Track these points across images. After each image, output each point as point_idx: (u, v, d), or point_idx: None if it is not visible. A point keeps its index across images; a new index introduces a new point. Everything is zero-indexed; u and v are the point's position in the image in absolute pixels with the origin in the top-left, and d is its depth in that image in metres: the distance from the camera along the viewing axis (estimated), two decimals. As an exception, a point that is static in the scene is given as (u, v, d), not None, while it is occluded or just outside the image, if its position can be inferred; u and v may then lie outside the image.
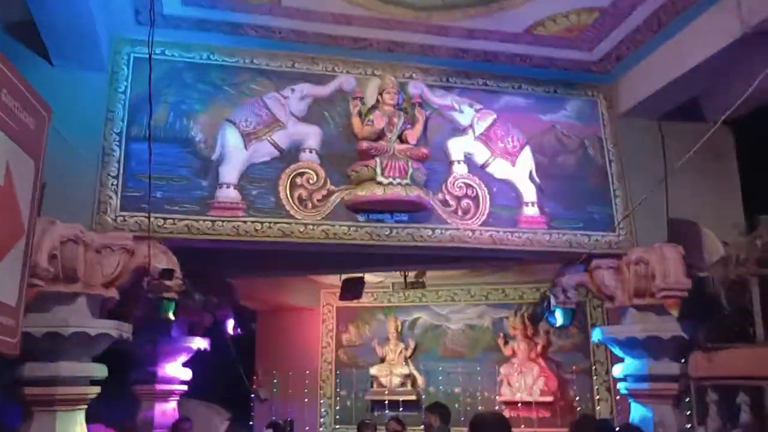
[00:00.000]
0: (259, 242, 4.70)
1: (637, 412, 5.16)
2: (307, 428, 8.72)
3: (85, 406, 4.38)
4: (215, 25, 4.79)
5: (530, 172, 5.27)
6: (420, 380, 9.07)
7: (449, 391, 8.90)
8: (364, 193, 4.78)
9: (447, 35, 4.98)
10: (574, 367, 8.50)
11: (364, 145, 4.88)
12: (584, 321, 8.43)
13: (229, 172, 4.72)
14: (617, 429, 5.04)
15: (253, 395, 8.33)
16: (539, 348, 8.68)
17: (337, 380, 9.27)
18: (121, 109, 4.67)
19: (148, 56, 4.20)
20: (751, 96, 3.74)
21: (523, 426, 8.07)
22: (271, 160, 4.86)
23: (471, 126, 5.29)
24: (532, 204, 5.19)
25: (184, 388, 6.87)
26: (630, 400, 5.30)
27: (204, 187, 4.66)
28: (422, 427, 6.06)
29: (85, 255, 4.16)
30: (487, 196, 5.12)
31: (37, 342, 3.98)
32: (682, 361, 4.88)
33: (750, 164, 5.48)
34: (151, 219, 4.37)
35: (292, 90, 5.04)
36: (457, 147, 5.20)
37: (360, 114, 5.03)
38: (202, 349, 6.91)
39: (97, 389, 4.41)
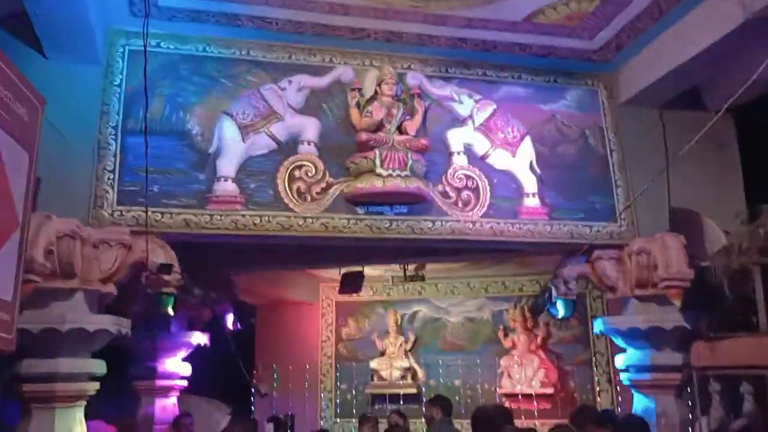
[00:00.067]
0: (257, 236, 4.65)
1: (640, 402, 5.14)
2: (308, 422, 8.71)
3: (85, 403, 4.35)
4: (211, 17, 4.72)
5: (531, 163, 5.22)
6: (420, 373, 9.08)
7: (449, 383, 8.91)
8: (363, 185, 4.74)
9: (445, 24, 4.92)
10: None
11: (363, 136, 4.83)
12: (584, 312, 8.43)
13: (227, 165, 4.67)
14: (620, 420, 5.02)
15: (253, 390, 8.31)
16: (539, 340, 8.70)
17: (338, 374, 9.28)
18: (117, 103, 4.61)
19: (143, 48, 4.14)
20: (753, 84, 3.70)
21: (523, 418, 8.06)
22: (269, 152, 4.80)
23: (470, 116, 5.24)
24: (533, 195, 5.15)
25: (184, 383, 6.86)
26: (633, 391, 5.29)
27: (201, 180, 4.61)
28: (423, 419, 6.07)
29: (82, 250, 4.13)
30: (488, 188, 5.08)
31: (35, 338, 3.95)
32: (685, 351, 4.86)
33: (752, 153, 5.45)
34: (149, 213, 4.31)
35: (290, 81, 4.98)
36: (456, 138, 5.15)
37: (358, 105, 4.97)
38: (202, 344, 6.91)
39: (96, 385, 4.38)
